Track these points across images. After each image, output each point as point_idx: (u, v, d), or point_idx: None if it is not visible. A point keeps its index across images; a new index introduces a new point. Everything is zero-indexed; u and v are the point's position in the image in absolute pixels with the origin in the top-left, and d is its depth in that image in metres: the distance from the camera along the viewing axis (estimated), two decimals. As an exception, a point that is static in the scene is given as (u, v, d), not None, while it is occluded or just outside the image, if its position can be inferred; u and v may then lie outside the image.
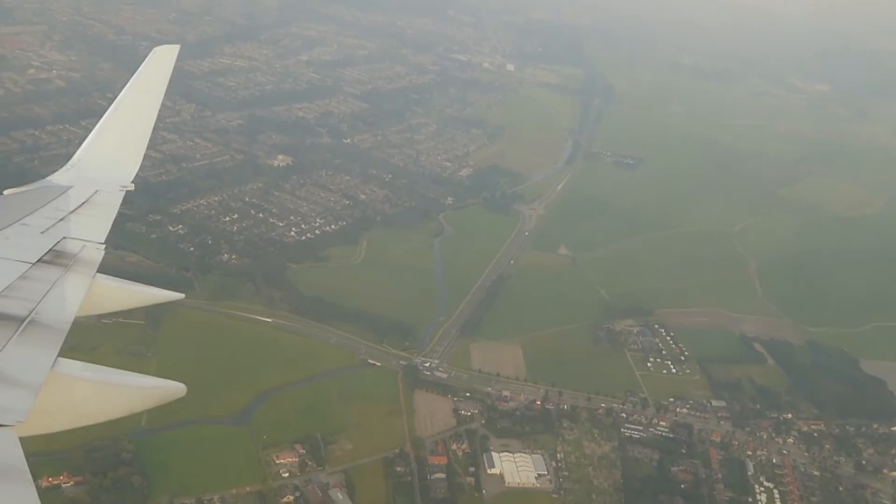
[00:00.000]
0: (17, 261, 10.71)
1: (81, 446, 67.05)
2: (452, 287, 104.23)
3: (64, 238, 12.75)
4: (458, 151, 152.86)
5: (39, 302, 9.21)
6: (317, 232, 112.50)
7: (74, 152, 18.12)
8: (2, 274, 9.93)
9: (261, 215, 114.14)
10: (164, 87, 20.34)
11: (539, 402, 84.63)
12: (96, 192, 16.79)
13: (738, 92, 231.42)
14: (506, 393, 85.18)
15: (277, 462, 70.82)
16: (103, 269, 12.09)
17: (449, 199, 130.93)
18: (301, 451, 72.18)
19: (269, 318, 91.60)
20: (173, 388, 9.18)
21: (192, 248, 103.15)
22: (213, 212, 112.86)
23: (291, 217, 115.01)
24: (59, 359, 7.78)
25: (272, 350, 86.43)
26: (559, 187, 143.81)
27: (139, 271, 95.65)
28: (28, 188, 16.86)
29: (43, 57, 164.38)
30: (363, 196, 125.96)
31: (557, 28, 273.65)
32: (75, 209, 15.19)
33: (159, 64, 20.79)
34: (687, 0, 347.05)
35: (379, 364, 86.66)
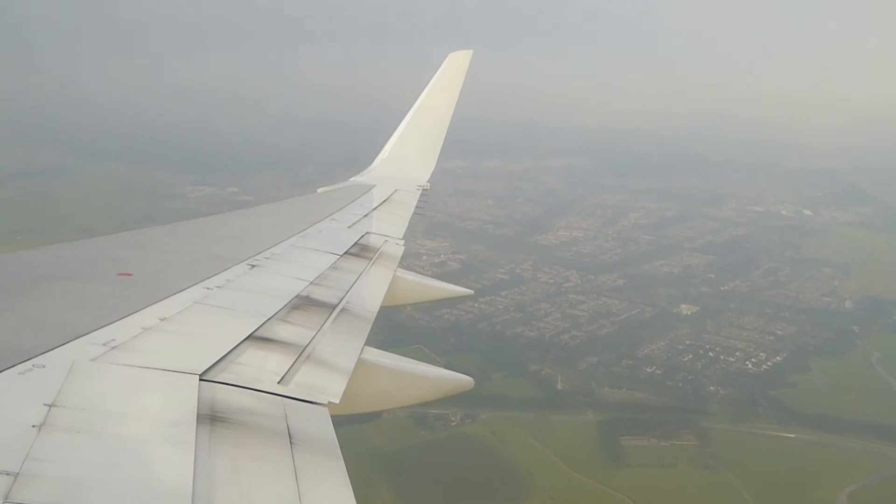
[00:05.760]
0: (328, 252, 11.48)
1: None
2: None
3: (367, 233, 13.55)
4: (826, 287, 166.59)
5: (348, 291, 9.61)
6: (768, 364, 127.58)
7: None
8: (315, 263, 10.60)
9: (710, 354, 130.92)
10: (459, 91, 20.93)
11: None
12: (395, 191, 17.94)
13: None
14: None
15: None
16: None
17: (854, 327, 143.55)
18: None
19: (790, 433, 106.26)
20: (462, 381, 9.57)
21: (680, 384, 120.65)
22: (669, 354, 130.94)
23: (736, 353, 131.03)
24: (365, 346, 8.04)
25: (818, 459, 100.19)
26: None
27: (654, 405, 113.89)
28: (337, 187, 18.45)
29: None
30: (779, 331, 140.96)
31: (818, 171, 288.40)
32: (377, 206, 16.17)
33: (454, 69, 21.39)
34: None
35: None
